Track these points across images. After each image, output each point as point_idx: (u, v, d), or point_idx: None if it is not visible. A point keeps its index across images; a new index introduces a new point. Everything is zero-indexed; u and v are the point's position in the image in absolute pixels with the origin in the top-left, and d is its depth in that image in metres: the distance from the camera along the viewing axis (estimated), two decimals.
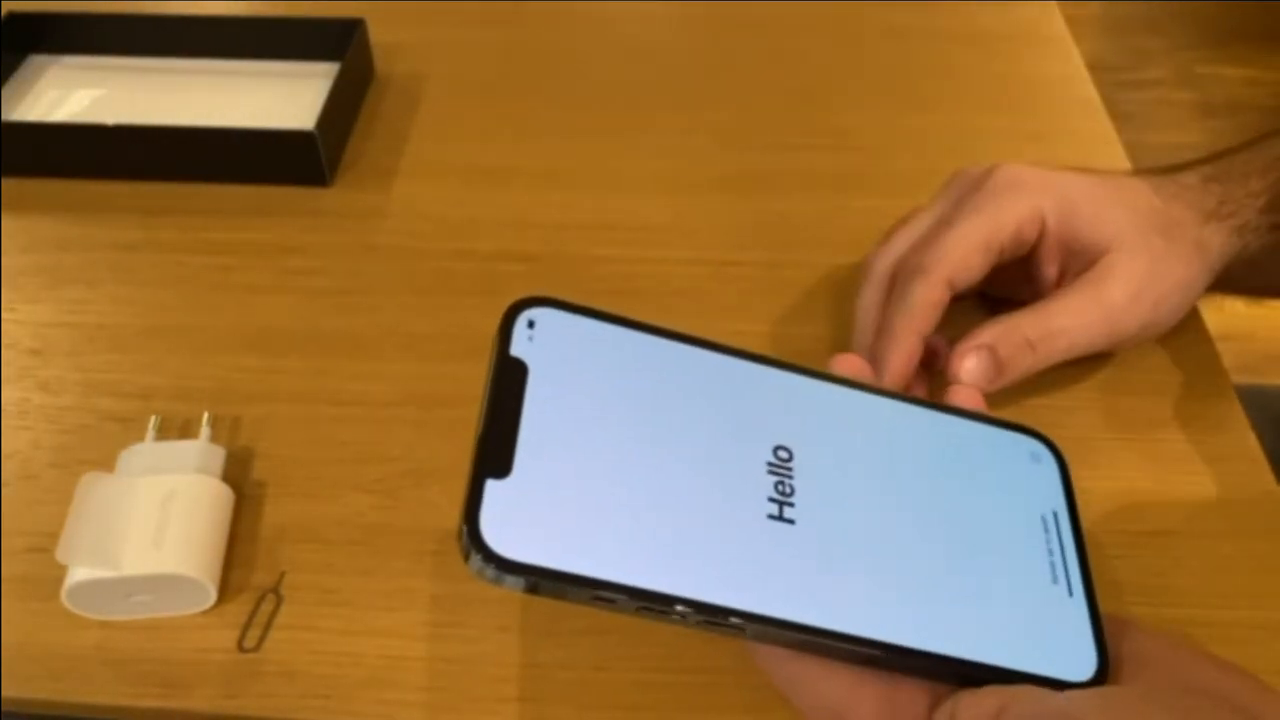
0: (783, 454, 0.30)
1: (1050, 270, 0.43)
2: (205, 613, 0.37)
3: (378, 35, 0.63)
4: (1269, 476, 0.42)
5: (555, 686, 0.36)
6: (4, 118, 0.59)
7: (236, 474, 0.41)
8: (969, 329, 0.42)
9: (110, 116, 0.58)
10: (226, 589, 0.38)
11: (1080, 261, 0.42)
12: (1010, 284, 0.44)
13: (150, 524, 0.36)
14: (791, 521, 0.29)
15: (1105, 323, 0.41)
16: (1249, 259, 0.44)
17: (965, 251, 0.41)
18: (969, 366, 0.40)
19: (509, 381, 0.28)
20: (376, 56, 0.63)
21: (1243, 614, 0.38)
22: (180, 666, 0.36)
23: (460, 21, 0.69)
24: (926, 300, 0.40)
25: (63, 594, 0.36)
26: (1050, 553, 0.31)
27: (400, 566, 0.39)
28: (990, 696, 0.27)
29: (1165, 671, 0.28)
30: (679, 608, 0.26)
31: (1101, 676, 0.29)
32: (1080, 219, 0.42)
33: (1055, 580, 0.31)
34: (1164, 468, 0.42)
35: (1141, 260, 0.42)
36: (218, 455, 0.40)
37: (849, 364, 0.35)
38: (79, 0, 0.66)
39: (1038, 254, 0.43)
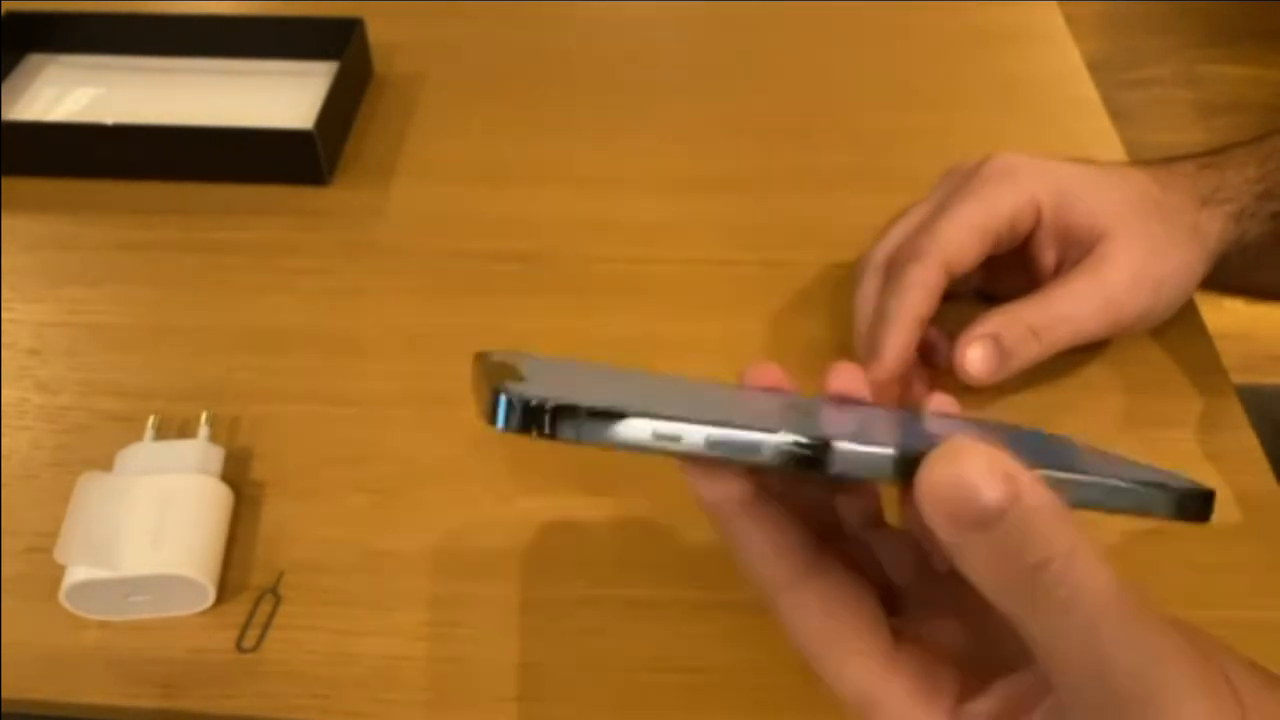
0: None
1: (1048, 258, 0.43)
2: (204, 613, 0.37)
3: (376, 35, 0.63)
4: (1269, 476, 0.42)
5: (555, 686, 0.36)
6: (3, 117, 0.59)
7: (235, 473, 0.41)
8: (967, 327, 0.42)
9: (109, 116, 0.58)
10: (225, 589, 0.38)
11: (1078, 249, 0.42)
12: (1009, 281, 0.44)
13: (148, 524, 0.36)
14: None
15: (1107, 308, 0.41)
16: (1245, 248, 0.44)
17: (960, 235, 0.41)
18: (973, 356, 0.40)
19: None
20: (375, 56, 0.63)
21: (1243, 614, 0.38)
22: (179, 666, 0.36)
23: (459, 21, 0.69)
24: (922, 282, 0.40)
25: (61, 594, 0.35)
26: None
27: (400, 566, 0.39)
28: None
29: None
30: (744, 434, 0.23)
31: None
32: (1076, 205, 0.42)
33: None
34: (1164, 466, 0.42)
35: (1140, 245, 0.42)
36: (216, 455, 0.40)
37: (765, 374, 0.29)
38: None
39: (1034, 242, 0.43)
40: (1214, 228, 0.43)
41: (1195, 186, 0.44)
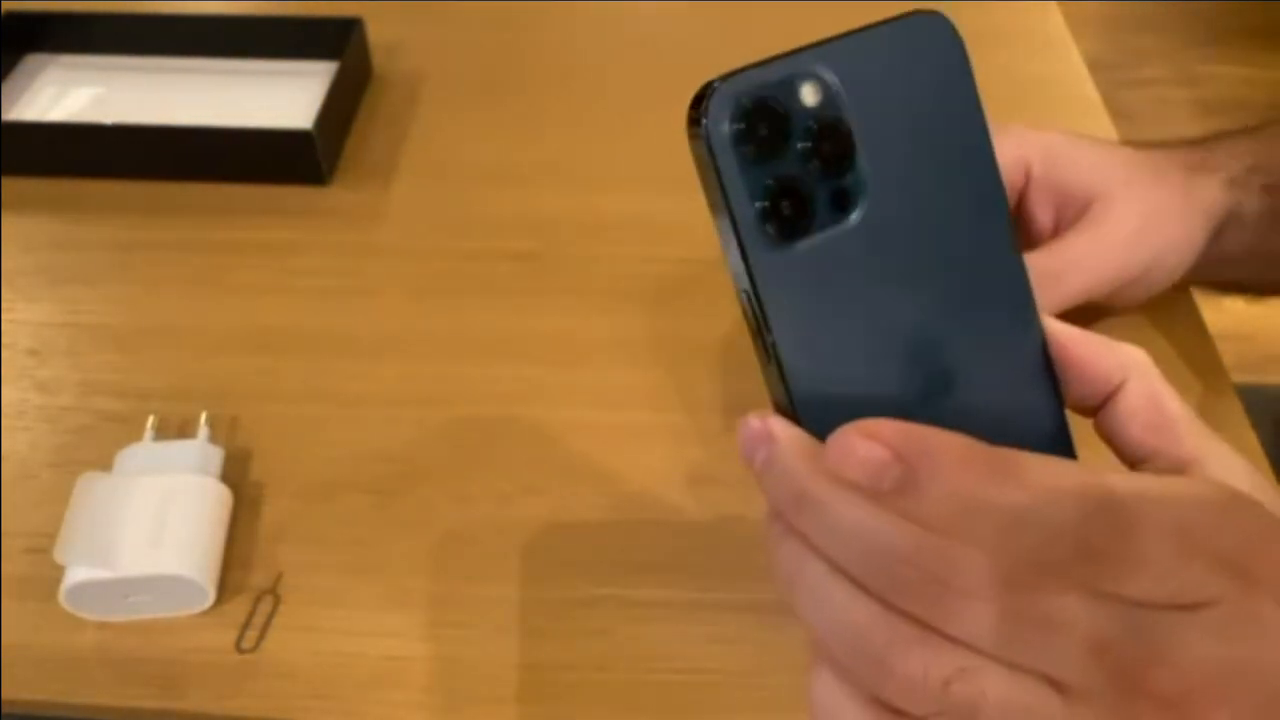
0: None
1: (1044, 218, 0.44)
2: (203, 613, 0.37)
3: (376, 34, 0.63)
4: (1269, 476, 0.42)
5: (555, 687, 0.36)
6: (3, 117, 0.58)
7: (234, 474, 0.41)
8: None
9: (108, 116, 0.58)
10: (224, 589, 0.38)
11: (1073, 208, 0.43)
12: None
13: (148, 524, 0.36)
14: None
15: (1114, 256, 0.42)
16: (1244, 222, 0.44)
17: None
18: None
19: None
20: (375, 55, 0.63)
21: None
22: (178, 667, 0.36)
23: (459, 21, 0.69)
24: None
25: (61, 595, 0.35)
26: None
27: (400, 566, 0.39)
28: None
29: None
30: None
31: None
32: (1067, 164, 0.43)
33: None
34: None
35: (1135, 200, 0.42)
36: (216, 455, 0.40)
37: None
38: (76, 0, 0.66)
39: (1028, 202, 0.44)
40: (1207, 194, 0.44)
41: (1184, 157, 0.45)
